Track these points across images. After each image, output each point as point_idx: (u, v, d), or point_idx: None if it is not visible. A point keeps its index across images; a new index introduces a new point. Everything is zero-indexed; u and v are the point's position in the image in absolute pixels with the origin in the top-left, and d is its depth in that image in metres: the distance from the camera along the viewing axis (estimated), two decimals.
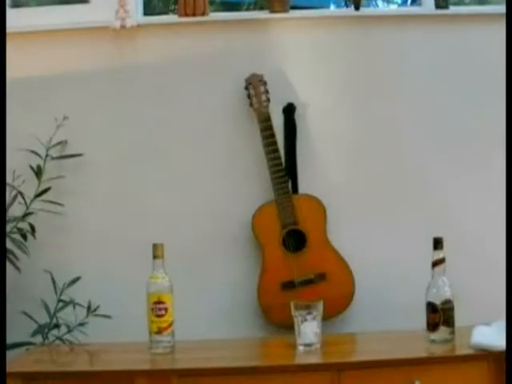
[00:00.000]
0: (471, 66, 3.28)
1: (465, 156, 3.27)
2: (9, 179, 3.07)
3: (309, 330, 2.40)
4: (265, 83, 3.17)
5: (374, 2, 4.89)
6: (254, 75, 3.18)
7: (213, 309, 3.17)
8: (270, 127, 3.14)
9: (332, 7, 4.59)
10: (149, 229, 3.14)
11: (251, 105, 3.17)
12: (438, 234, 2.49)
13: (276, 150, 3.12)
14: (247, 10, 4.50)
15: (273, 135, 3.13)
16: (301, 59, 3.28)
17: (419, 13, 3.34)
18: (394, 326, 2.81)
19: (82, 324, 2.98)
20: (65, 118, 3.14)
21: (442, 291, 2.43)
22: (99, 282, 3.15)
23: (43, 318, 3.02)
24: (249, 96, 3.17)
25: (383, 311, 3.09)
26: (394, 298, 3.00)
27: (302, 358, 2.39)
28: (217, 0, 4.73)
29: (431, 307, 2.43)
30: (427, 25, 3.27)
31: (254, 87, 3.17)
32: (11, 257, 2.97)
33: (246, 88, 3.18)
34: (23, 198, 3.10)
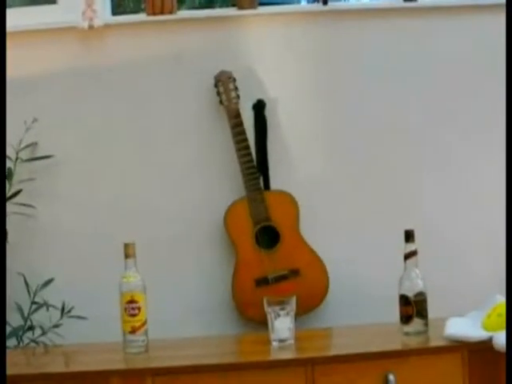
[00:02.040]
0: (439, 59, 3.30)
1: (435, 149, 3.29)
2: None
3: (282, 325, 2.40)
4: (234, 80, 3.17)
5: None
6: (223, 72, 3.17)
7: (187, 306, 3.17)
8: (241, 124, 3.14)
9: (303, 2, 4.59)
10: (121, 228, 3.13)
11: (221, 102, 3.16)
12: (409, 227, 2.49)
13: (247, 147, 3.12)
14: (220, 7, 4.49)
15: (243, 132, 3.13)
16: (270, 55, 3.28)
17: (387, 6, 3.34)
18: (368, 319, 2.80)
19: (56, 326, 2.96)
20: (34, 120, 3.12)
21: (415, 283, 2.44)
22: (73, 283, 3.14)
23: (17, 321, 3.00)
24: (218, 93, 3.17)
25: (357, 305, 3.10)
26: (367, 291, 3.01)
27: (276, 353, 2.39)
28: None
29: (404, 300, 2.43)
30: (395, 18, 3.28)
31: (224, 84, 3.17)
32: None
33: (216, 85, 3.17)
34: None
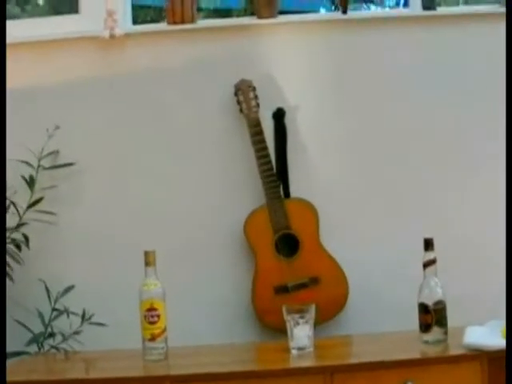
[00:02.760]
0: (459, 67, 3.29)
1: (458, 157, 3.28)
2: None
3: (302, 333, 2.41)
4: (254, 89, 3.18)
5: (365, 6, 4.90)
6: (243, 81, 3.18)
7: (206, 314, 3.16)
8: (261, 132, 3.15)
9: (322, 11, 4.60)
10: (141, 236, 3.15)
11: (241, 111, 3.17)
12: (429, 235, 2.49)
13: (267, 155, 3.13)
14: (238, 16, 4.51)
15: (263, 140, 3.14)
16: (289, 64, 3.29)
17: (406, 14, 3.35)
18: (387, 327, 2.81)
19: (76, 332, 2.98)
20: (56, 127, 3.14)
21: (434, 292, 2.44)
22: (93, 290, 3.15)
23: (38, 328, 3.02)
24: (238, 102, 3.18)
25: (377, 313, 3.09)
26: (387, 299, 3.01)
27: (296, 361, 2.39)
28: (209, 7, 4.75)
29: (423, 308, 2.43)
30: (414, 26, 3.28)
31: (244, 93, 3.17)
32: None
33: (236, 94, 3.18)
34: (16, 209, 3.11)
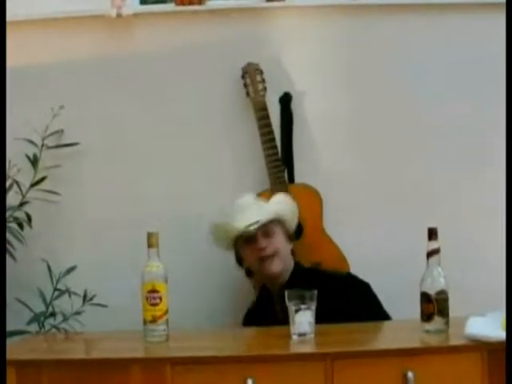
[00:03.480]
0: (471, 56, 3.27)
1: (462, 148, 3.28)
2: None
3: (303, 319, 2.39)
4: (261, 72, 3.17)
5: None
6: (250, 64, 3.17)
7: (209, 297, 3.18)
8: (267, 116, 3.14)
9: None
10: (145, 217, 3.15)
11: (248, 94, 3.17)
12: (433, 224, 2.48)
13: (272, 139, 3.12)
14: None
15: (269, 124, 3.13)
16: (298, 48, 3.28)
17: (417, 1, 3.32)
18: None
19: (78, 313, 2.99)
20: (61, 107, 3.14)
21: (437, 281, 2.42)
22: (95, 271, 3.16)
23: (39, 307, 3.04)
24: (245, 85, 3.17)
25: None
26: (389, 287, 2.99)
27: (296, 347, 2.38)
28: None
29: (425, 297, 2.42)
30: (426, 13, 3.26)
31: (251, 76, 3.17)
32: (7, 246, 2.98)
33: (243, 77, 3.17)
34: (19, 187, 3.11)
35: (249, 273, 2.97)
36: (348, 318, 2.62)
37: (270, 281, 2.88)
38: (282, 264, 2.84)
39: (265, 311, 2.89)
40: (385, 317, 2.81)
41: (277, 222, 2.86)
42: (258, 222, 2.81)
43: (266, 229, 2.83)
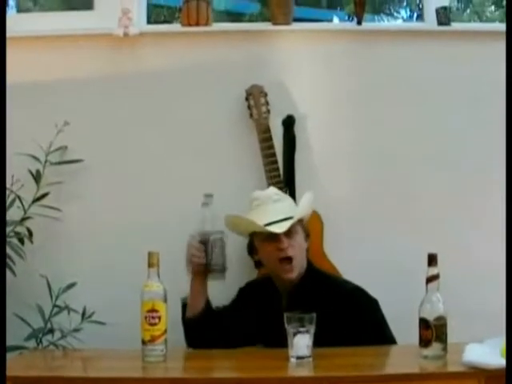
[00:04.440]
0: (472, 82, 3.30)
1: (463, 173, 3.29)
2: (7, 183, 3.08)
3: (301, 342, 2.39)
4: (265, 94, 3.19)
5: (378, 17, 4.90)
6: (254, 86, 3.19)
7: None
8: (270, 138, 3.15)
9: (335, 20, 4.60)
10: (146, 236, 3.16)
11: (251, 116, 3.18)
12: (433, 250, 2.48)
13: (275, 162, 3.13)
14: (250, 19, 4.51)
15: (272, 146, 3.14)
16: (302, 72, 3.30)
17: (420, 28, 3.36)
18: None
19: (76, 330, 2.98)
20: (65, 123, 3.15)
21: (436, 307, 2.42)
22: (95, 288, 3.16)
23: (38, 323, 3.03)
24: (249, 107, 3.18)
25: None
26: (389, 312, 2.99)
27: (294, 370, 2.38)
28: (221, 9, 4.74)
29: (424, 323, 2.42)
30: (428, 40, 3.29)
31: (255, 98, 3.18)
32: (7, 260, 2.98)
33: (247, 99, 3.19)
34: (21, 203, 3.11)
35: (258, 264, 2.95)
36: (351, 332, 2.63)
37: (282, 282, 2.83)
38: (298, 268, 2.79)
39: (268, 298, 2.85)
40: (390, 338, 2.78)
41: (299, 220, 2.82)
42: (284, 220, 2.76)
43: (289, 228, 2.77)
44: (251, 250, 2.91)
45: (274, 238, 2.76)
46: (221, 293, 2.96)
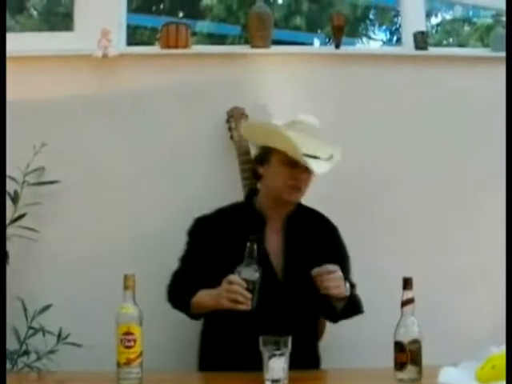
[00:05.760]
0: (449, 107, 3.33)
1: (441, 196, 3.32)
2: None
3: (276, 365, 2.39)
4: (246, 117, 3.20)
5: (358, 40, 4.94)
6: (235, 108, 3.20)
7: (183, 340, 3.16)
8: (250, 161, 3.15)
9: (316, 43, 4.64)
10: (122, 257, 3.15)
11: (232, 137, 3.18)
12: (408, 274, 2.49)
13: (255, 184, 3.12)
14: (232, 42, 4.54)
15: (252, 169, 3.13)
16: (282, 94, 3.31)
17: (398, 53, 3.39)
18: (363, 363, 2.80)
19: (51, 352, 2.97)
20: (43, 144, 3.14)
21: (411, 331, 2.43)
22: (71, 310, 3.15)
23: (13, 345, 3.00)
24: (230, 129, 3.19)
25: (352, 349, 3.10)
26: (364, 335, 3.01)
27: None
28: (203, 31, 4.77)
29: (399, 346, 2.42)
30: (406, 65, 3.32)
31: (235, 120, 3.19)
32: None
33: (228, 121, 3.20)
34: None
35: (257, 176, 2.90)
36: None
37: (278, 204, 2.80)
38: (302, 197, 2.81)
39: (246, 224, 2.79)
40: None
41: None
42: (323, 159, 2.72)
43: None
44: (261, 160, 2.84)
45: (296, 165, 2.71)
46: None
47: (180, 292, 2.77)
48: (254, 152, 2.98)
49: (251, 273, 2.52)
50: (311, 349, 2.84)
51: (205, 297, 2.66)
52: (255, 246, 2.52)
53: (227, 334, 2.78)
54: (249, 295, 2.50)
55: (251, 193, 2.94)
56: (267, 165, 2.81)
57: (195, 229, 2.88)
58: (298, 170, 2.72)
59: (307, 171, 2.71)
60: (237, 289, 2.50)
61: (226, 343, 2.78)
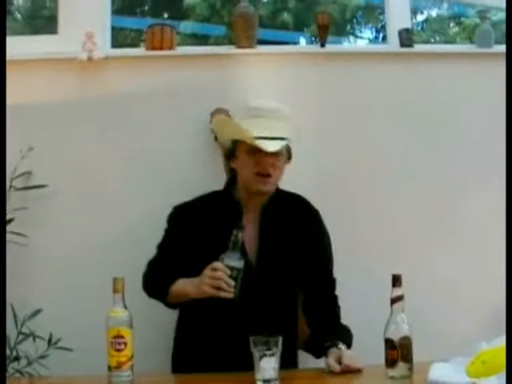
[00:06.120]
0: (434, 103, 3.33)
1: (431, 193, 3.32)
2: None
3: (267, 365, 2.39)
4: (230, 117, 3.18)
5: (344, 38, 4.94)
6: (219, 109, 3.19)
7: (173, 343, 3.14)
8: None
9: (302, 42, 4.64)
10: (111, 261, 3.13)
11: (216, 139, 3.18)
12: (397, 271, 2.50)
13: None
14: (216, 42, 4.53)
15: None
16: (267, 94, 3.29)
17: (383, 51, 3.39)
18: None
19: (42, 357, 2.95)
20: (30, 148, 3.14)
21: (401, 328, 2.43)
22: (61, 314, 3.15)
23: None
24: (213, 130, 3.18)
25: None
26: (355, 333, 3.00)
27: None
28: (187, 32, 4.76)
29: (389, 344, 2.43)
30: (391, 62, 3.32)
31: None
32: None
33: (212, 122, 3.19)
34: None
35: (232, 171, 2.89)
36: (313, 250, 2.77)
37: (252, 195, 2.80)
38: (273, 186, 2.79)
39: (224, 214, 2.79)
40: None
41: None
42: (277, 139, 2.70)
43: None
44: (230, 155, 2.85)
45: (259, 152, 2.70)
46: None
47: (157, 280, 2.77)
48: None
49: (236, 261, 2.53)
50: (287, 344, 2.75)
51: (185, 285, 2.65)
52: (241, 234, 2.53)
53: (202, 325, 2.78)
54: (232, 283, 2.50)
55: (230, 182, 2.93)
56: (236, 158, 2.83)
57: (173, 216, 2.89)
58: (260, 155, 2.71)
59: (271, 156, 2.71)
60: (221, 275, 2.50)
61: (200, 336, 2.79)
